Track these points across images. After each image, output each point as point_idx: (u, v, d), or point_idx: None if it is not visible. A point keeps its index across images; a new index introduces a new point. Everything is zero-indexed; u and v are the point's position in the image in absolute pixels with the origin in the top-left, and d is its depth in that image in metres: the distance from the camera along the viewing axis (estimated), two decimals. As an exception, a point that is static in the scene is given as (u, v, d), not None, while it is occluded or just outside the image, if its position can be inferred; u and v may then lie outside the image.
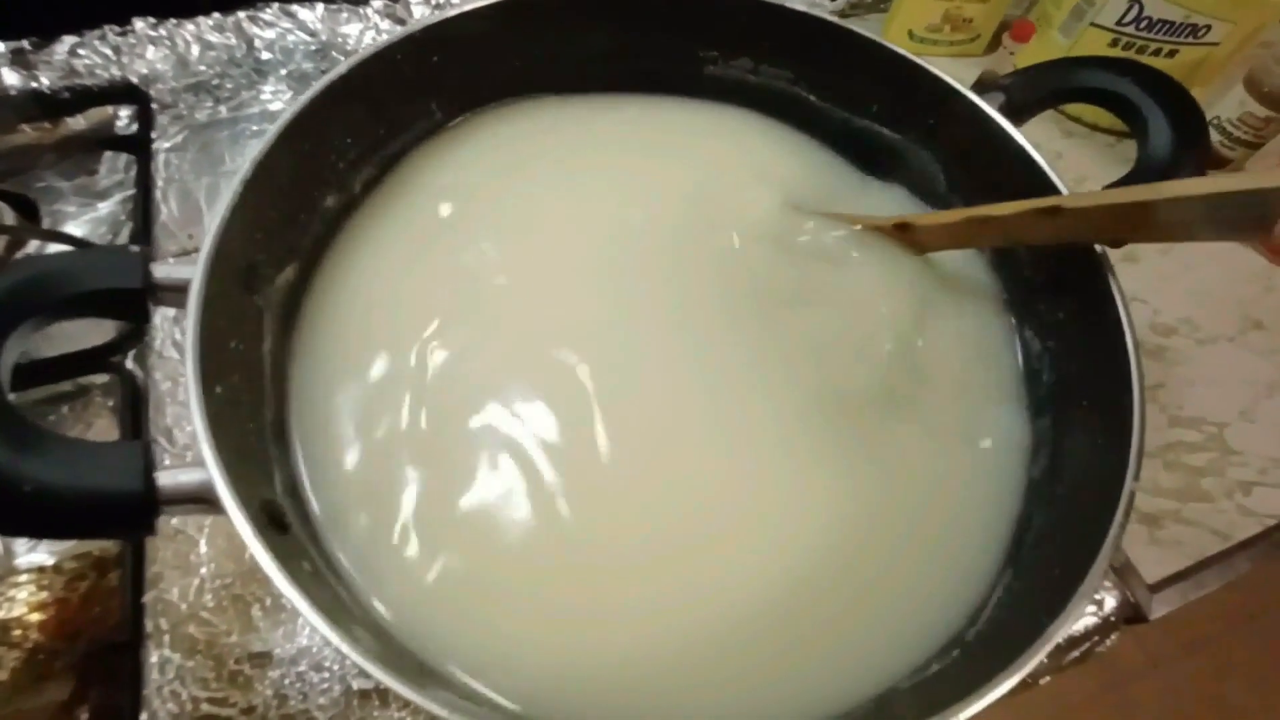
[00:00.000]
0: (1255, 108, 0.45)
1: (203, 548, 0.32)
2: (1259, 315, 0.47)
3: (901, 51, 0.31)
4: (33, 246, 0.40)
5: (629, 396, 0.26)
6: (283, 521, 0.21)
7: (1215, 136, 0.48)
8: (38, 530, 0.19)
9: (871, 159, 0.36)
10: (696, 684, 0.22)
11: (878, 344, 0.29)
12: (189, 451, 0.35)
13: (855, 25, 0.57)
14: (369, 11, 0.51)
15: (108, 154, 0.44)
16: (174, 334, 0.37)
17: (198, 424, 0.19)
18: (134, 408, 0.35)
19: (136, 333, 0.36)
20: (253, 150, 0.24)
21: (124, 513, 0.18)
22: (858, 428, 0.27)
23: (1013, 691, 0.19)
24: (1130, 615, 0.37)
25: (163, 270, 0.22)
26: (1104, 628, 0.36)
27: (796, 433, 0.26)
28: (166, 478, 0.18)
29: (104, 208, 0.43)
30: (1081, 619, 0.35)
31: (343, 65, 0.27)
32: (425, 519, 0.24)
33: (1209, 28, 0.46)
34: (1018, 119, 0.29)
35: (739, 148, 0.35)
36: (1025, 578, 0.24)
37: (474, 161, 0.32)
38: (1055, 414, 0.28)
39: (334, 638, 0.17)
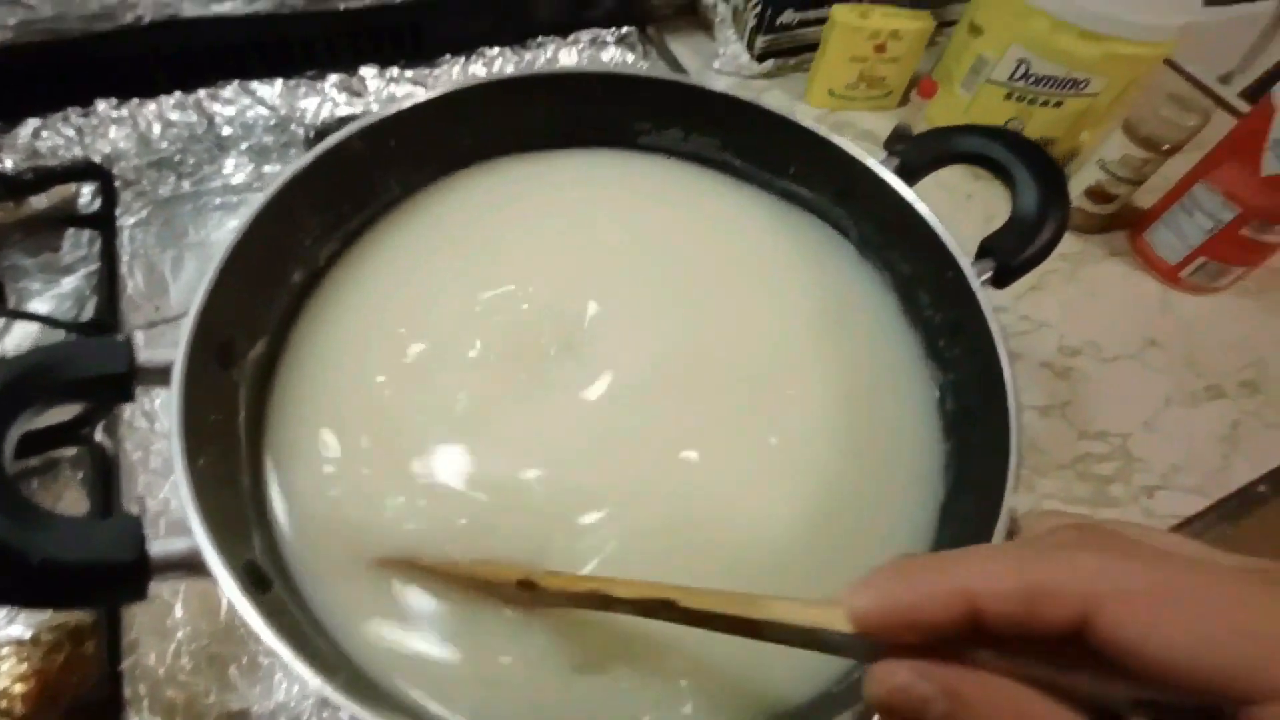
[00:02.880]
0: (1134, 150, 0.51)
1: (178, 611, 0.33)
2: (1155, 334, 0.53)
3: (809, 125, 0.35)
4: (-1, 323, 0.41)
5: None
6: (264, 580, 0.23)
7: (1102, 176, 0.53)
8: (45, 599, 0.21)
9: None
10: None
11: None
12: (162, 518, 0.36)
13: (781, 85, 0.63)
14: (326, 86, 0.54)
15: (71, 231, 0.46)
16: (144, 404, 0.39)
17: (185, 495, 0.21)
18: (104, 479, 0.36)
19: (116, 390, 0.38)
20: (227, 237, 0.27)
21: (121, 581, 0.20)
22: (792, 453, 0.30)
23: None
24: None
25: (146, 354, 0.24)
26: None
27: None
28: (158, 547, 0.20)
29: (68, 283, 0.44)
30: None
31: (307, 155, 0.30)
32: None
33: (1088, 81, 0.52)
34: (911, 179, 0.34)
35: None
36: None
37: (430, 230, 0.35)
38: (958, 438, 0.31)
39: (327, 689, 0.19)
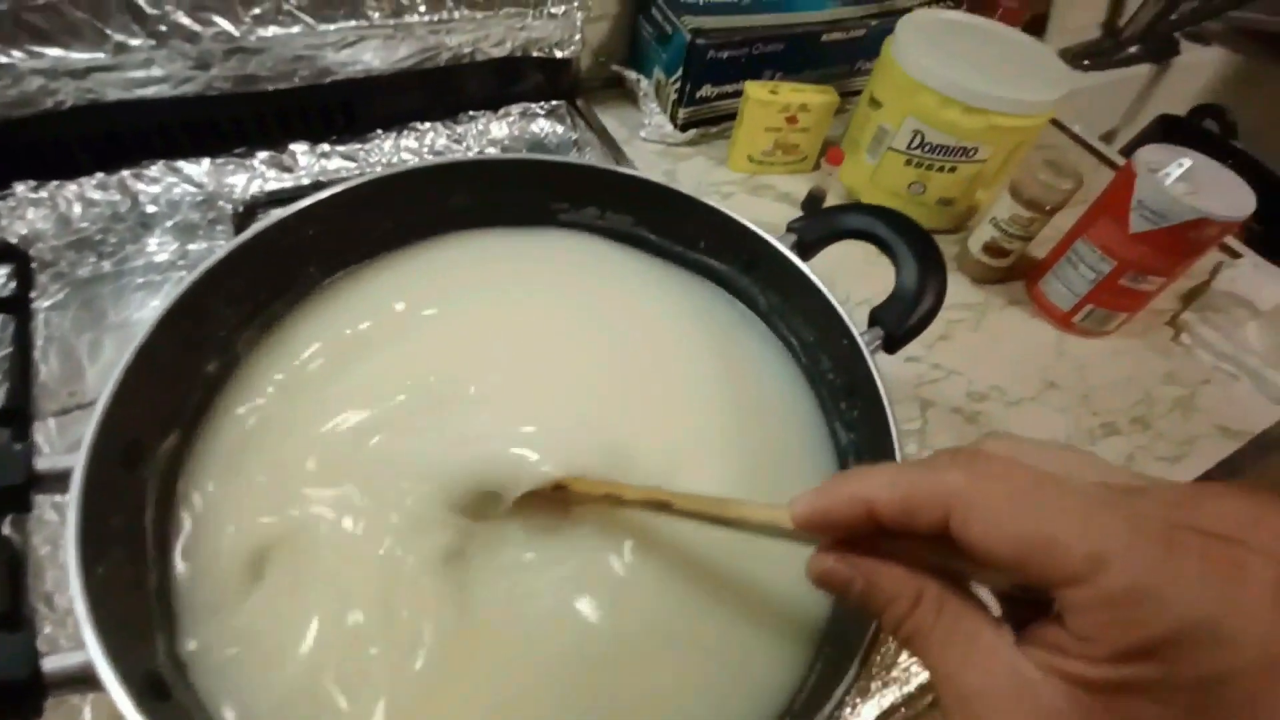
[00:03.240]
0: (1020, 211, 0.56)
1: (87, 715, 0.32)
2: (1054, 377, 0.56)
3: (713, 204, 0.38)
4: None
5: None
6: (164, 689, 0.23)
7: (996, 233, 0.58)
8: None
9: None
10: None
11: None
12: (70, 617, 0.35)
13: (704, 152, 0.66)
14: (255, 163, 0.54)
15: (-18, 315, 0.45)
16: (54, 496, 0.38)
17: (79, 609, 0.21)
18: (11, 576, 0.35)
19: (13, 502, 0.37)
20: (141, 318, 0.27)
21: (13, 700, 0.19)
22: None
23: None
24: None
25: (45, 462, 0.24)
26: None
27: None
28: (52, 663, 0.20)
29: (-21, 370, 0.43)
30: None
31: (221, 250, 0.30)
32: (313, 674, 0.26)
33: (976, 149, 0.57)
34: (806, 254, 0.36)
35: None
36: (838, 646, 0.28)
37: (347, 313, 0.36)
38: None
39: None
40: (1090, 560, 0.15)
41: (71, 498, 0.23)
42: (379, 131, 0.59)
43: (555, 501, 0.30)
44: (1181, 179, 0.50)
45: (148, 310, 0.46)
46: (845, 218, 0.36)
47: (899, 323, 0.34)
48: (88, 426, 0.24)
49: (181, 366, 0.30)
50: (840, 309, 0.34)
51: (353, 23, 0.51)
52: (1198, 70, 1.02)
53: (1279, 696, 0.13)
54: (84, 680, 0.21)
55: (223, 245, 0.31)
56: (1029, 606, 0.17)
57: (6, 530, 0.37)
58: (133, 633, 0.24)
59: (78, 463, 0.24)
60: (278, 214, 0.32)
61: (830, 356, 0.36)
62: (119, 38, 0.45)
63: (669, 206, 0.39)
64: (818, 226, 0.37)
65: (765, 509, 0.22)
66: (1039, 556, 0.15)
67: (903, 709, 0.38)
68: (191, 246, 0.50)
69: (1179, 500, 0.16)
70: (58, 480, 0.24)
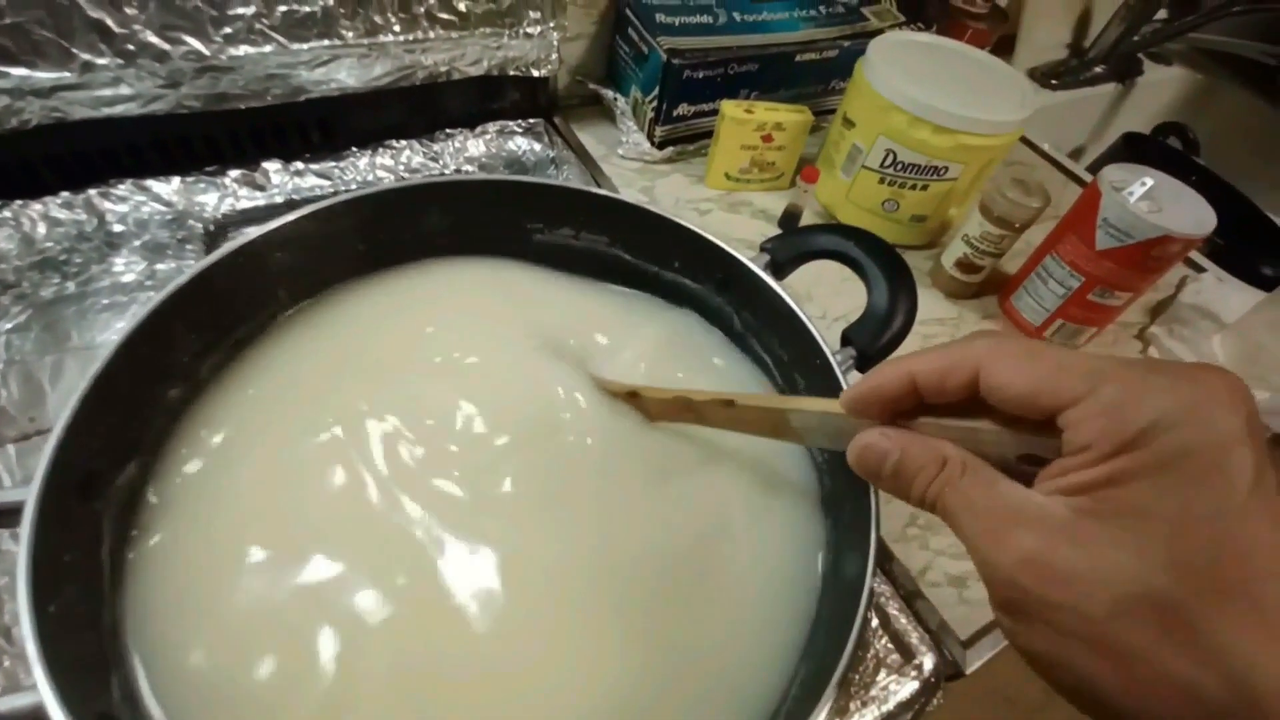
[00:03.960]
0: (990, 228, 0.57)
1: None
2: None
3: (685, 223, 0.38)
4: None
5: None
6: (118, 730, 0.22)
7: (967, 250, 0.59)
8: None
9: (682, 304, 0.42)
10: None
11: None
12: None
13: (682, 169, 0.67)
14: (227, 181, 0.54)
15: (-60, 339, 0.44)
16: (6, 531, 0.37)
17: (30, 649, 0.20)
18: (-38, 610, 0.34)
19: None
20: (105, 339, 0.26)
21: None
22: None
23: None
24: (951, 673, 0.43)
25: (-4, 496, 0.23)
26: (927, 689, 0.41)
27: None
28: (2, 704, 0.19)
29: (-66, 395, 0.42)
30: (907, 685, 0.40)
31: (183, 276, 0.30)
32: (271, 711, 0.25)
33: (947, 168, 0.58)
34: (779, 274, 0.37)
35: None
36: (814, 662, 0.28)
37: (316, 340, 0.35)
38: (835, 515, 0.33)
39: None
40: (1088, 378, 0.18)
41: (23, 534, 0.22)
42: (354, 149, 0.58)
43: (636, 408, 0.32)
44: (1145, 197, 0.52)
45: (112, 332, 0.45)
46: (817, 238, 0.37)
47: (871, 341, 0.34)
48: (40, 459, 0.23)
49: (141, 393, 0.30)
50: (813, 328, 0.34)
51: (326, 42, 0.51)
52: (1160, 89, 1.05)
53: (1235, 461, 0.17)
54: (33, 724, 0.20)
55: (192, 265, 0.31)
56: (1030, 478, 0.20)
57: (-40, 562, 0.36)
58: (89, 671, 0.23)
59: (30, 495, 0.23)
60: (244, 237, 0.32)
61: (805, 375, 0.36)
62: (86, 57, 0.45)
63: (643, 226, 0.39)
64: (790, 247, 0.37)
65: (818, 401, 0.25)
66: (1048, 386, 0.18)
67: (882, 729, 0.38)
68: (160, 266, 0.50)
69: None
70: (9, 515, 0.23)
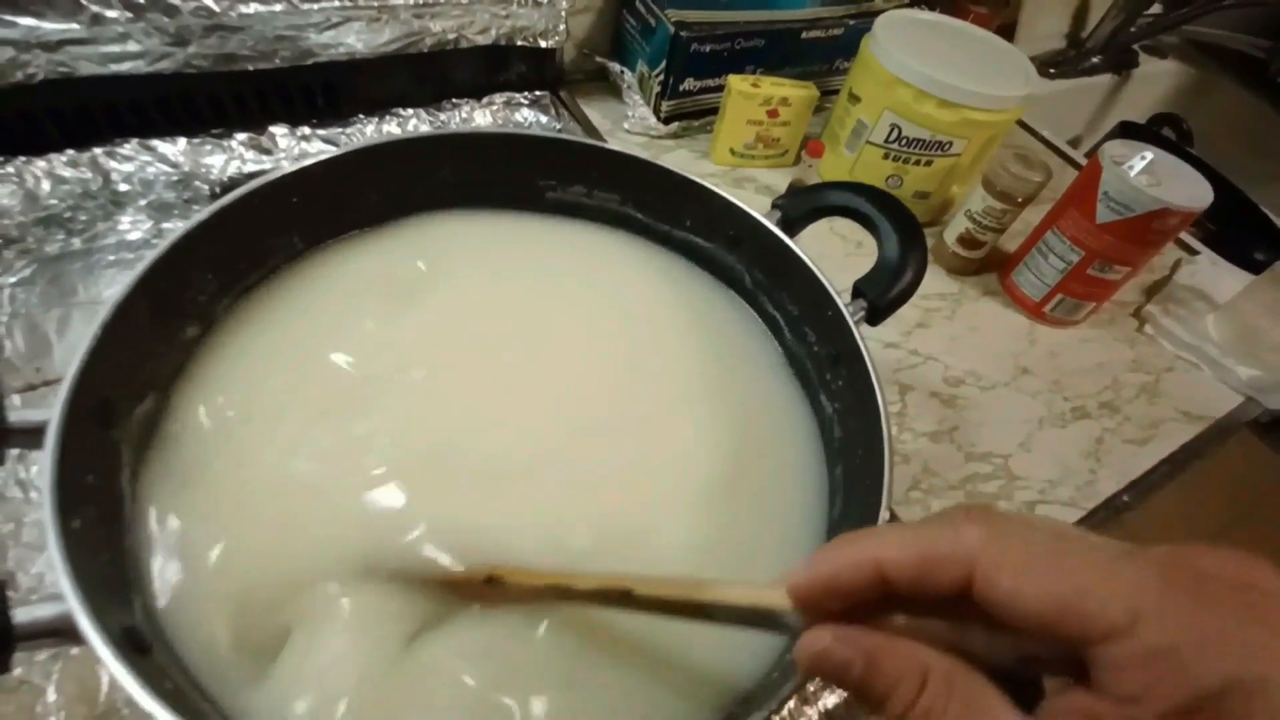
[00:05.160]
0: (993, 203, 0.58)
1: (50, 695, 0.31)
2: (1027, 364, 0.58)
3: (695, 178, 0.38)
4: None
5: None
6: (143, 645, 0.22)
7: (970, 225, 0.60)
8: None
9: (697, 261, 0.42)
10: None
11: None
12: (34, 595, 0.33)
13: (687, 145, 0.67)
14: (233, 144, 0.54)
15: (-58, 294, 0.43)
16: (17, 473, 0.36)
17: (56, 557, 0.20)
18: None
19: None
20: (112, 294, 0.26)
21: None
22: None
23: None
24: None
25: (17, 414, 0.23)
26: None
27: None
28: (23, 614, 0.19)
29: (-61, 347, 0.42)
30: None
31: (203, 212, 0.30)
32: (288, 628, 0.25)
33: (951, 143, 0.59)
34: (791, 230, 0.37)
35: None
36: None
37: (333, 285, 0.35)
38: (844, 464, 0.34)
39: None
40: (1128, 610, 0.14)
41: (49, 445, 0.22)
42: (361, 115, 0.58)
43: (483, 597, 0.25)
44: (1144, 172, 0.52)
45: (120, 287, 0.45)
46: (829, 194, 0.37)
47: (882, 294, 0.34)
48: (65, 379, 0.23)
49: (159, 329, 0.29)
50: (825, 280, 0.35)
51: (336, 3, 0.51)
52: (1155, 81, 1.06)
53: None
54: (58, 632, 0.20)
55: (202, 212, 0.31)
56: (1025, 686, 0.17)
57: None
58: (109, 591, 0.23)
59: (54, 414, 0.23)
60: (261, 179, 0.32)
61: (815, 329, 0.37)
62: (95, 9, 0.44)
63: (656, 184, 0.40)
64: (802, 203, 0.37)
65: (749, 589, 0.19)
66: (1073, 611, 0.15)
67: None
68: (166, 225, 0.49)
69: (1181, 552, 0.15)
70: (31, 434, 0.23)
